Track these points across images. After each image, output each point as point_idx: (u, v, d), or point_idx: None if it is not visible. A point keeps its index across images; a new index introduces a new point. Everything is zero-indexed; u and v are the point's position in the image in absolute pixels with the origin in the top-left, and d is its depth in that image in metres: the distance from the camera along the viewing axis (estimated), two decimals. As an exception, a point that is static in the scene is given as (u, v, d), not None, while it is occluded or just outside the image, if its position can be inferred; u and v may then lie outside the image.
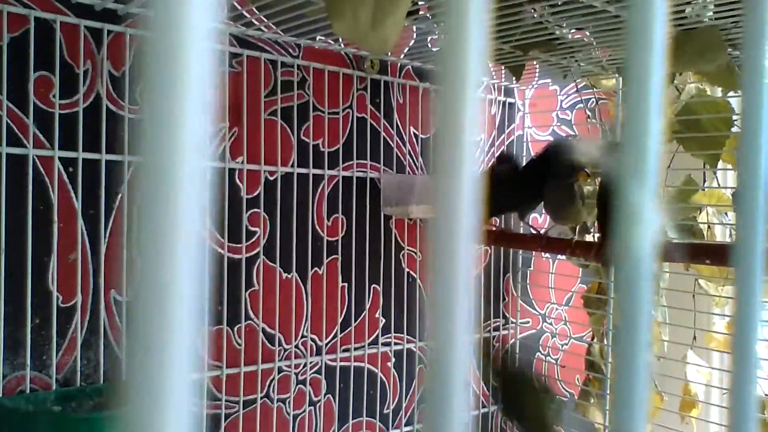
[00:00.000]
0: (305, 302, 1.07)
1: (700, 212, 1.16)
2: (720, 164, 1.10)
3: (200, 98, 0.11)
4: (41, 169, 0.83)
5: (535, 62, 1.12)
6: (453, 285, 0.13)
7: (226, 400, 0.99)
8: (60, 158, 0.84)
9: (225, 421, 0.99)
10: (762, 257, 0.23)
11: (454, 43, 0.13)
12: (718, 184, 1.16)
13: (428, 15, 0.91)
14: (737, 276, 0.23)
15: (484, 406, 1.32)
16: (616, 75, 1.19)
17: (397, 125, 1.16)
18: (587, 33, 0.97)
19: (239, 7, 0.94)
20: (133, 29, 0.90)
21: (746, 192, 0.24)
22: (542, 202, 1.09)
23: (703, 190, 1.14)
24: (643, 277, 0.18)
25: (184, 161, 0.11)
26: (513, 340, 1.37)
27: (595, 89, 1.33)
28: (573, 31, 0.96)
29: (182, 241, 0.11)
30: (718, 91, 1.10)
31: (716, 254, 0.94)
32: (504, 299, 1.35)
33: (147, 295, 0.11)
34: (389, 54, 1.13)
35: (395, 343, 1.17)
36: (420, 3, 0.87)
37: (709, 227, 1.16)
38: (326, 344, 1.09)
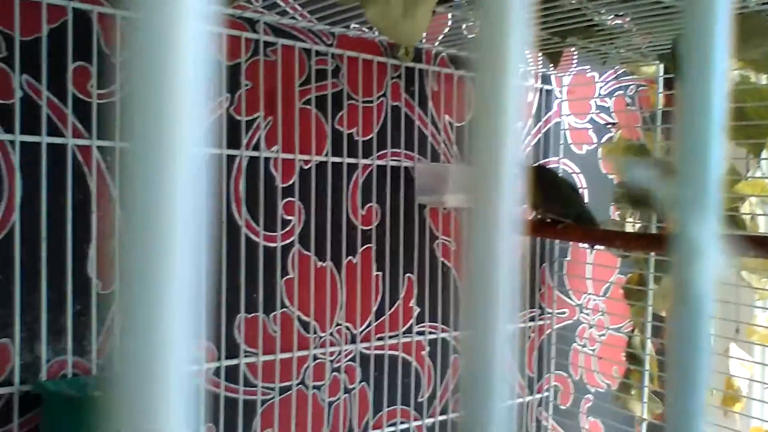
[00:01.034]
0: (339, 290, 1.07)
1: (743, 202, 1.13)
2: (764, 153, 1.07)
3: (193, 84, 0.11)
4: (80, 158, 0.85)
5: (572, 49, 1.10)
6: (493, 275, 0.13)
7: (262, 387, 1.00)
8: (98, 147, 0.86)
9: (261, 407, 1.00)
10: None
11: (494, 28, 0.12)
12: (762, 174, 1.13)
13: (463, 1, 0.90)
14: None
15: (519, 396, 1.31)
16: (657, 62, 1.17)
17: (431, 113, 1.15)
18: (627, 19, 0.95)
19: (274, -4, 0.94)
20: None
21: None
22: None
23: (746, 179, 1.11)
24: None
25: (175, 149, 0.10)
26: (549, 330, 1.36)
27: (634, 76, 1.31)
28: (612, 17, 0.94)
29: (173, 233, 0.11)
30: (763, 79, 1.07)
31: (760, 245, 0.91)
32: (540, 289, 1.33)
33: (138, 296, 0.10)
34: (423, 41, 1.12)
35: (430, 332, 1.17)
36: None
37: (752, 218, 1.13)
38: (361, 332, 1.09)
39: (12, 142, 0.80)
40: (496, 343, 0.13)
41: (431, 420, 1.18)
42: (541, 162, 1.30)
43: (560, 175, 1.15)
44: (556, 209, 1.09)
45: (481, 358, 0.13)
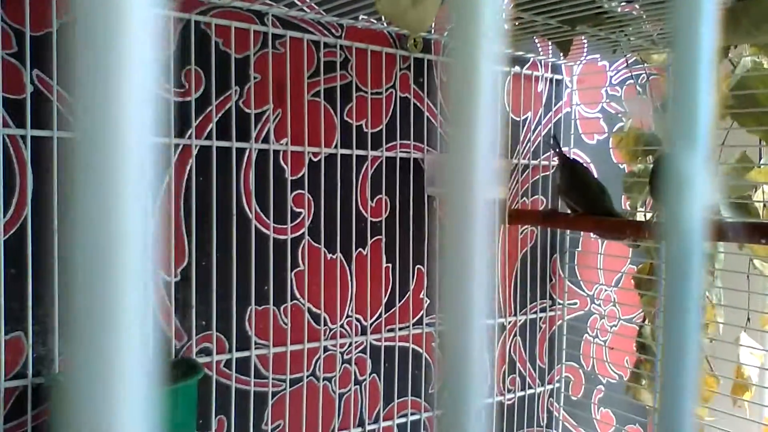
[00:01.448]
0: (350, 282, 1.07)
1: (756, 190, 1.12)
2: (777, 140, 1.06)
3: (142, 70, 0.10)
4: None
5: (583, 37, 1.09)
6: (468, 266, 0.13)
7: (273, 378, 1.00)
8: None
9: (272, 398, 1.00)
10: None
11: (467, 13, 0.12)
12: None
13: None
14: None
15: (530, 387, 1.31)
16: (668, 49, 1.15)
17: (440, 105, 1.15)
18: (637, 6, 0.94)
19: (281, -12, 0.94)
20: (180, 13, 0.90)
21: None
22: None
23: (759, 167, 1.10)
24: (695, 249, 0.16)
25: (123, 137, 0.10)
26: (560, 321, 1.35)
27: (645, 64, 1.30)
28: (622, 4, 0.93)
29: (123, 226, 0.11)
30: (776, 64, 1.06)
31: (772, 234, 0.90)
32: (551, 280, 1.33)
33: (86, 288, 0.10)
34: (432, 32, 1.12)
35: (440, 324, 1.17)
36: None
37: (764, 206, 1.12)
38: (371, 324, 1.10)
39: (23, 137, 0.81)
40: (474, 339, 0.13)
41: (442, 411, 1.18)
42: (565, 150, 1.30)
43: (591, 174, 1.15)
44: (582, 206, 1.09)
45: (458, 353, 0.13)
